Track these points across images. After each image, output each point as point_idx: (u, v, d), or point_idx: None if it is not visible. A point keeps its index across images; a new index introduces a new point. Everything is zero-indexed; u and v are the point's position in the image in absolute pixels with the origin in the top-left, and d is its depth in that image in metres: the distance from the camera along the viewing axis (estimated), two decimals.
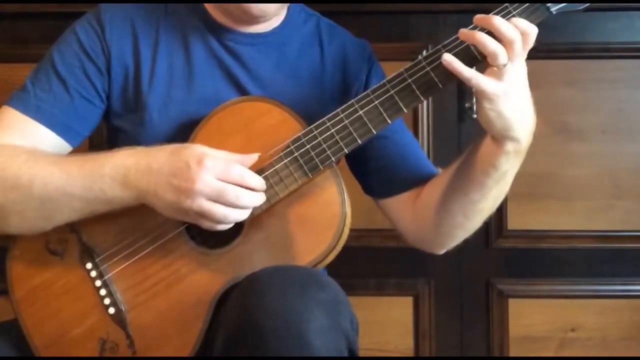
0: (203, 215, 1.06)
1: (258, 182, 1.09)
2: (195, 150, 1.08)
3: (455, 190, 1.19)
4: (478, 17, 1.06)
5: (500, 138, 1.09)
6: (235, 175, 1.07)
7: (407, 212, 1.29)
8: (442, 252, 1.31)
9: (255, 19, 1.23)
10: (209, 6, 1.26)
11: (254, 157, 1.11)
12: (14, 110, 1.19)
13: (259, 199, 1.09)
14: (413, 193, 1.28)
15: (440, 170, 1.29)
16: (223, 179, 1.06)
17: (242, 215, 1.08)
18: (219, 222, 1.08)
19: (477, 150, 1.15)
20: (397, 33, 1.89)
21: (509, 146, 1.10)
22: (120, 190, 1.09)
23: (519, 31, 1.04)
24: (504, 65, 1.04)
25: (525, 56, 1.07)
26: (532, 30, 1.05)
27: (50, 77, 1.21)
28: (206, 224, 1.08)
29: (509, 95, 1.05)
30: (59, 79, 1.21)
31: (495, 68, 1.04)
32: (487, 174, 1.14)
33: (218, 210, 1.06)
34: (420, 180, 1.28)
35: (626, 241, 1.88)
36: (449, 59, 1.05)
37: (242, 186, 1.07)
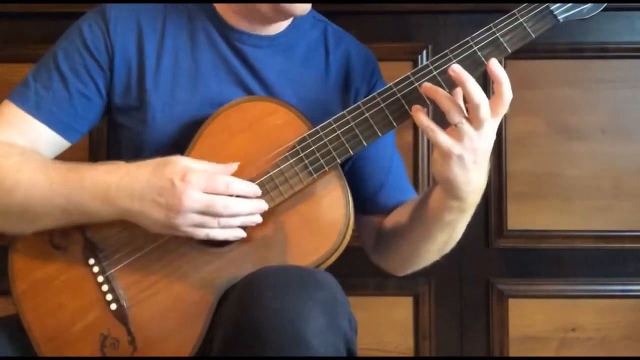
0: (196, 226, 1.07)
1: (246, 187, 1.10)
2: (177, 165, 1.08)
3: (408, 227, 1.22)
4: (453, 69, 1.05)
5: (446, 192, 1.11)
6: (221, 185, 1.07)
7: (372, 233, 1.32)
8: (400, 275, 1.33)
9: (282, 19, 1.24)
10: (218, 5, 1.26)
11: (234, 166, 1.11)
12: (14, 106, 1.20)
13: (249, 204, 1.10)
14: (383, 218, 1.31)
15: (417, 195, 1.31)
16: (209, 191, 1.07)
17: (236, 222, 1.09)
18: (216, 228, 1.08)
19: (429, 195, 1.17)
20: (397, 33, 1.89)
21: (453, 202, 1.11)
22: (100, 206, 1.10)
23: (486, 99, 1.04)
24: (461, 124, 1.04)
25: (495, 125, 1.06)
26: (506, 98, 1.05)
27: (52, 74, 1.21)
28: (201, 233, 1.09)
29: (464, 159, 1.06)
30: (60, 76, 1.21)
31: (454, 126, 1.05)
32: (434, 220, 1.16)
33: (210, 222, 1.07)
34: (392, 208, 1.30)
35: (626, 241, 1.88)
36: (414, 107, 1.08)
37: (230, 195, 1.08)
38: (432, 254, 1.23)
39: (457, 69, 1.05)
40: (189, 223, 1.07)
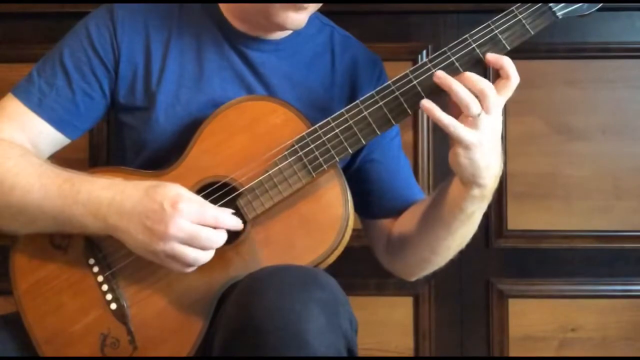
0: (174, 258, 1.07)
1: (234, 222, 1.10)
2: (170, 191, 1.07)
3: (424, 227, 1.22)
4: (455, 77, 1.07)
5: (468, 183, 1.11)
6: (210, 219, 1.07)
7: (383, 236, 1.32)
8: (411, 280, 1.33)
9: (276, 30, 1.24)
10: (224, 8, 1.26)
11: (228, 212, 1.10)
12: (17, 101, 1.21)
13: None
14: (393, 220, 1.31)
15: (426, 196, 1.31)
16: (197, 222, 1.06)
17: (211, 255, 1.09)
18: (189, 265, 1.08)
19: (445, 191, 1.17)
20: (397, 33, 1.89)
21: (475, 191, 1.12)
22: (91, 220, 1.10)
23: (491, 84, 1.06)
24: (478, 115, 1.05)
25: (503, 105, 1.08)
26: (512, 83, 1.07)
27: (56, 70, 1.22)
28: (175, 267, 1.08)
29: (484, 144, 1.07)
30: (64, 73, 1.22)
31: (470, 118, 1.06)
32: (454, 214, 1.16)
33: (189, 254, 1.06)
34: (402, 210, 1.30)
35: (626, 241, 1.88)
36: (428, 105, 1.07)
37: (217, 228, 1.07)
38: (451, 251, 1.23)
39: (440, 75, 1.06)
40: (168, 252, 1.06)
